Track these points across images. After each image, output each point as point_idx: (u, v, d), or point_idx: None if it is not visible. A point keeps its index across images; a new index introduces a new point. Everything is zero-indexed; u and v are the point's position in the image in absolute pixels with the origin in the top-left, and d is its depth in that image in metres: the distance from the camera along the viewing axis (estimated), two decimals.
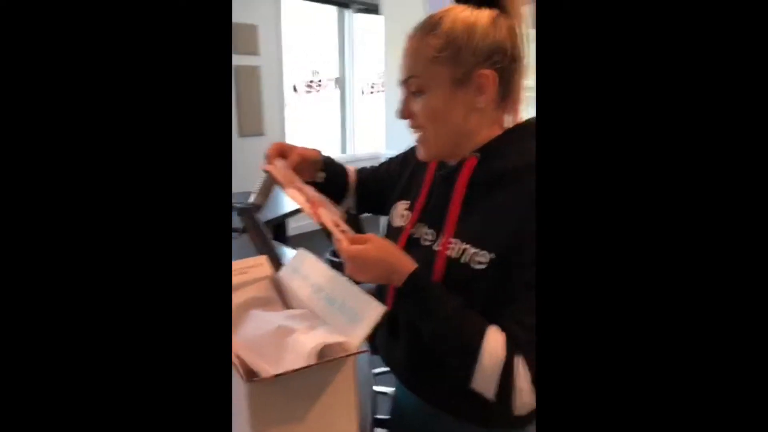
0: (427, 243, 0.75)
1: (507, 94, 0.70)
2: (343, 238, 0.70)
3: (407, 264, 0.68)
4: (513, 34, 0.68)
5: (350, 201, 1.00)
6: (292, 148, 0.87)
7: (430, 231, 0.75)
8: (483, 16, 0.67)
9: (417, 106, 0.71)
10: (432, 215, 0.76)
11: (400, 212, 0.84)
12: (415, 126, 0.73)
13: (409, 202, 0.83)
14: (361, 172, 1.00)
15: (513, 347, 0.62)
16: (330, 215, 0.76)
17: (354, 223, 0.85)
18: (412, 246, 0.76)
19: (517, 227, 0.64)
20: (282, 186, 0.81)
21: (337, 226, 0.73)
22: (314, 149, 0.90)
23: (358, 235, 0.71)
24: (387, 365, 0.85)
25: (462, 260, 0.68)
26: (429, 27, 0.69)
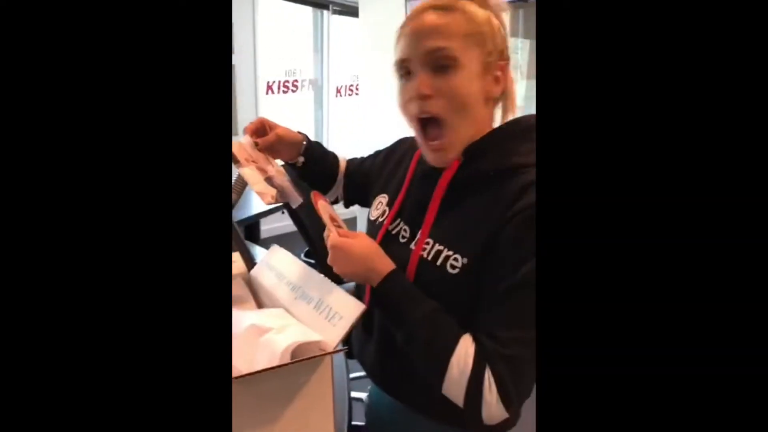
0: (404, 240, 0.73)
1: (503, 92, 0.69)
2: (333, 229, 0.69)
3: (386, 265, 0.67)
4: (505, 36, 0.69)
5: (338, 190, 0.98)
6: (273, 126, 0.84)
7: (407, 228, 0.74)
8: (495, 13, 0.67)
9: (440, 83, 0.64)
10: (410, 212, 0.75)
11: (377, 205, 0.82)
12: (433, 108, 0.65)
13: (387, 195, 0.82)
14: (351, 163, 0.99)
15: (483, 360, 0.60)
16: (328, 209, 0.74)
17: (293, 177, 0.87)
18: (389, 242, 0.74)
19: (492, 233, 0.62)
20: (236, 163, 0.78)
21: (333, 221, 0.72)
22: (299, 132, 0.88)
23: (349, 231, 0.70)
24: (360, 364, 0.83)
25: (437, 263, 0.66)
26: (448, 7, 0.65)
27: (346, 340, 0.61)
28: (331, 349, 0.59)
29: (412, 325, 0.64)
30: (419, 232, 0.70)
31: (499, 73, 0.67)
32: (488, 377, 0.59)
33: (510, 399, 0.59)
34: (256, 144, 0.83)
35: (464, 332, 0.63)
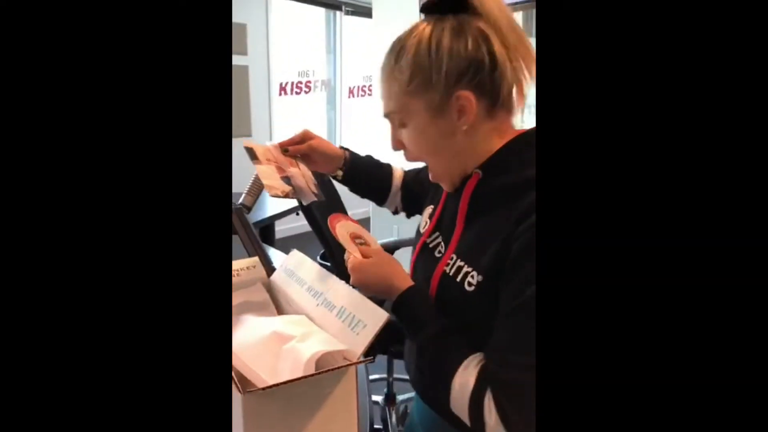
0: (439, 255, 0.72)
1: (495, 102, 0.64)
2: (353, 251, 0.71)
3: (403, 282, 0.69)
4: (486, 39, 0.61)
5: (396, 201, 0.99)
6: (311, 137, 0.87)
7: (443, 243, 0.72)
8: (448, 30, 0.62)
9: (404, 137, 0.69)
10: (443, 226, 0.74)
11: (425, 217, 0.82)
12: (410, 158, 0.71)
13: (432, 207, 0.80)
14: (408, 174, 1.00)
15: (483, 382, 0.59)
16: (349, 228, 0.76)
17: (327, 187, 0.90)
18: (425, 255, 0.74)
19: (499, 251, 0.60)
20: (255, 159, 0.80)
21: (358, 237, 0.74)
22: (339, 147, 0.91)
23: (370, 249, 0.73)
24: (406, 368, 0.82)
25: (457, 279, 0.65)
26: (395, 57, 0.66)
27: (369, 350, 0.60)
28: (355, 359, 0.58)
29: (421, 341, 0.66)
30: (446, 243, 0.71)
31: (463, 103, 0.62)
32: (488, 400, 0.58)
33: (509, 423, 0.56)
34: (285, 150, 0.86)
35: (472, 353, 0.62)
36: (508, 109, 0.66)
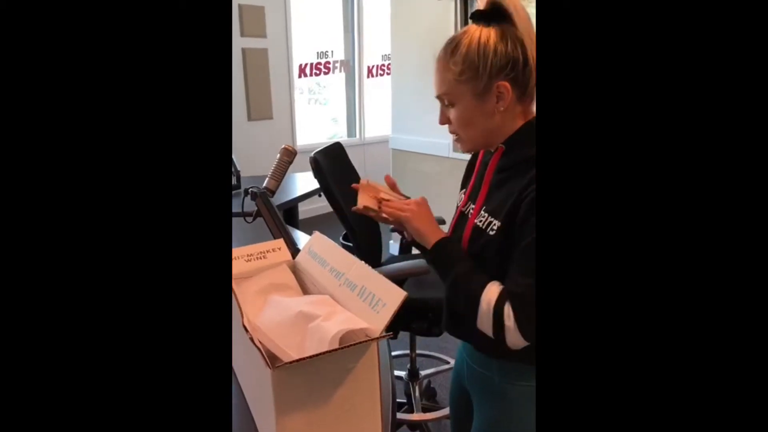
0: (469, 215, 0.91)
1: (524, 92, 0.82)
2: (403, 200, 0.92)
3: (438, 233, 0.89)
4: (521, 44, 0.79)
5: None
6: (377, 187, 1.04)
7: (473, 206, 0.92)
8: (493, 34, 0.79)
9: (451, 115, 0.87)
10: (474, 194, 0.93)
11: (460, 195, 1.01)
12: (452, 130, 0.90)
13: (464, 189, 1.00)
14: None
15: (503, 297, 0.78)
16: (372, 190, 0.96)
17: None
18: (461, 219, 0.93)
19: (513, 206, 0.79)
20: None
21: (382, 199, 0.94)
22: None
23: (410, 201, 0.93)
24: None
25: (484, 228, 0.84)
26: (450, 51, 0.83)
27: (390, 327, 0.64)
28: (376, 336, 0.61)
29: (454, 278, 0.85)
30: (475, 204, 0.91)
31: (502, 91, 0.80)
32: (507, 308, 0.77)
33: (522, 325, 0.76)
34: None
35: (492, 281, 0.81)
36: (532, 97, 0.84)
